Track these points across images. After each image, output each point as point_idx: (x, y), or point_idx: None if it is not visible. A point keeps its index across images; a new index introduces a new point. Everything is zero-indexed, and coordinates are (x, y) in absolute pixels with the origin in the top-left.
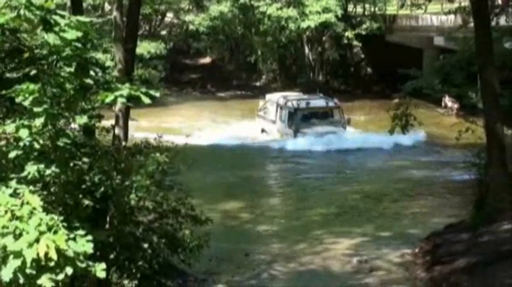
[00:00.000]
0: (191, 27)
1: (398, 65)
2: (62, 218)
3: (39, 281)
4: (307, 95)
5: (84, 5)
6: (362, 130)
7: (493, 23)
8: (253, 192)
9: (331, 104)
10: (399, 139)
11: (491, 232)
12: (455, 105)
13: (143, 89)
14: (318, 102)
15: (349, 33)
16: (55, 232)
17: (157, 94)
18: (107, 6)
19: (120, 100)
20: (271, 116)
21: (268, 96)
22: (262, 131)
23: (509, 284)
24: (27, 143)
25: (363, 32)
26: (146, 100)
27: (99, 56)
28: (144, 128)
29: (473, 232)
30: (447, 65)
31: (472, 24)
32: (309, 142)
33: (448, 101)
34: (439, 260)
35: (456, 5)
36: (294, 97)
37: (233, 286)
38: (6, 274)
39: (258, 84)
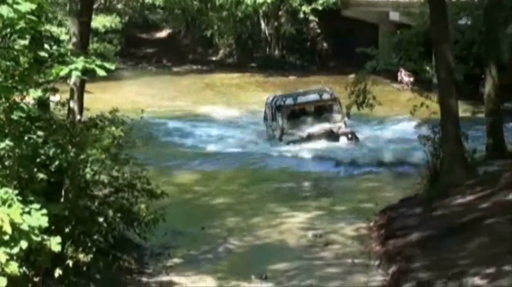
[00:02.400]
0: (147, 0)
1: (354, 40)
2: (16, 192)
3: None
4: (303, 90)
5: None
6: None
7: None
8: (208, 166)
9: (326, 96)
10: None
11: (445, 206)
12: (411, 79)
13: (98, 62)
14: (309, 96)
15: (305, 8)
16: (9, 206)
17: (113, 67)
18: None
19: (75, 73)
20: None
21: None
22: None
23: (462, 257)
24: None
25: (319, 7)
26: (101, 72)
27: (54, 29)
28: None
29: (427, 206)
30: (403, 42)
31: None
32: (298, 148)
33: (403, 75)
34: (393, 234)
35: None
36: (286, 95)
37: (189, 260)
38: None
39: (214, 59)
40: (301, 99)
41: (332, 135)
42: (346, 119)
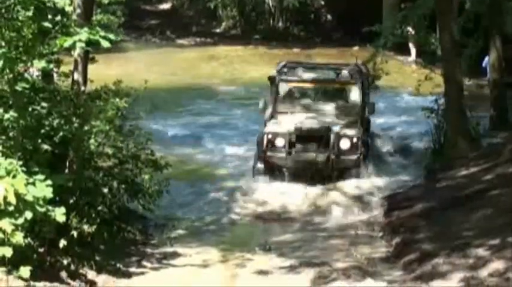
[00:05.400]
0: None
1: (358, 12)
2: (21, 163)
3: None
4: (324, 63)
5: None
6: None
7: None
8: (213, 137)
9: (345, 75)
10: None
11: (449, 178)
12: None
13: (102, 33)
14: (322, 72)
15: None
16: (14, 177)
17: (117, 38)
18: None
19: (79, 45)
20: None
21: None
22: None
23: (465, 228)
24: None
25: None
26: (105, 44)
27: (58, 0)
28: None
29: (431, 177)
30: (412, 16)
31: None
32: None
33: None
34: (397, 205)
35: None
36: (296, 63)
37: (193, 231)
38: None
39: (217, 30)
40: (308, 74)
41: (321, 141)
42: (370, 111)
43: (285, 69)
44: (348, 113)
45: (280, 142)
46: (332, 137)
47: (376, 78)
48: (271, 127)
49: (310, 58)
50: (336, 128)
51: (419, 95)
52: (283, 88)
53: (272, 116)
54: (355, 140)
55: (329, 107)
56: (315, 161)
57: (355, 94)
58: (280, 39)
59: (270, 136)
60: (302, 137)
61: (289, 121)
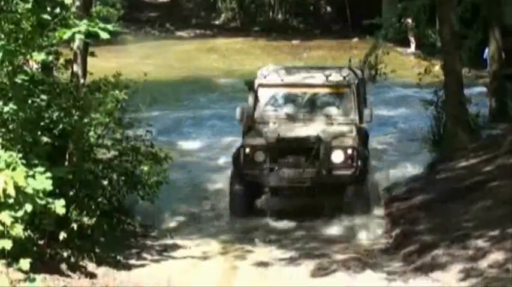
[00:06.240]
0: None
1: (357, 4)
2: (20, 155)
3: None
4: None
5: None
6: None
7: None
8: (213, 129)
9: (335, 78)
10: None
11: (449, 170)
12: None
13: (101, 25)
14: (308, 75)
15: None
16: (13, 169)
17: (117, 29)
18: None
19: (78, 36)
20: None
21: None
22: None
23: (465, 220)
24: None
25: None
26: (104, 35)
27: None
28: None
29: (431, 169)
30: (412, 8)
31: None
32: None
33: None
34: (396, 197)
35: None
36: (280, 67)
37: (192, 222)
38: None
39: (217, 23)
40: (292, 77)
41: (309, 154)
42: (367, 118)
43: (265, 73)
44: (341, 121)
45: (260, 157)
46: (322, 148)
47: (372, 80)
48: (249, 140)
49: (309, 50)
50: (326, 138)
51: (419, 87)
52: (264, 94)
53: (250, 127)
54: (349, 151)
55: (318, 115)
56: (302, 178)
57: (349, 99)
58: (280, 31)
59: (247, 150)
60: (286, 149)
61: (271, 132)
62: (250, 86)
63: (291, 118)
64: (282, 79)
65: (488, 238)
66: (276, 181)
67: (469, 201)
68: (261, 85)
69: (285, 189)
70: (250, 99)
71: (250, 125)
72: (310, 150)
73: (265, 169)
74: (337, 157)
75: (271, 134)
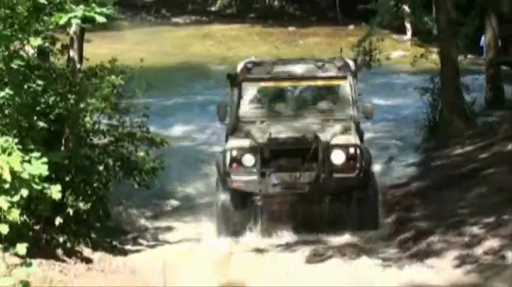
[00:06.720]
0: None
1: None
2: (16, 140)
3: None
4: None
5: None
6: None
7: None
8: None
9: (329, 70)
10: None
11: (444, 157)
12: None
13: (97, 9)
14: (299, 66)
15: None
16: (9, 154)
17: (113, 13)
18: None
19: (74, 22)
20: None
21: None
22: None
23: (461, 207)
24: None
25: None
26: (101, 19)
27: None
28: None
29: (426, 156)
30: None
31: None
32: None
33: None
34: (392, 184)
35: None
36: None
37: (187, 205)
38: None
39: (213, 9)
40: (280, 69)
41: (305, 155)
42: (368, 114)
43: (250, 65)
44: (338, 118)
45: (249, 160)
46: (320, 148)
47: (367, 66)
48: (235, 142)
49: (305, 37)
50: (324, 137)
51: (415, 74)
52: (249, 89)
53: (235, 127)
54: (351, 150)
55: (312, 111)
56: (299, 184)
57: (345, 92)
58: (276, 18)
59: (234, 153)
60: (279, 151)
61: (260, 131)
62: (233, 80)
63: (280, 115)
64: (268, 72)
65: (484, 224)
66: (268, 188)
67: (464, 188)
68: (245, 79)
69: (278, 196)
70: (234, 96)
71: (235, 124)
72: (307, 151)
73: (256, 173)
74: (338, 157)
75: (261, 134)
